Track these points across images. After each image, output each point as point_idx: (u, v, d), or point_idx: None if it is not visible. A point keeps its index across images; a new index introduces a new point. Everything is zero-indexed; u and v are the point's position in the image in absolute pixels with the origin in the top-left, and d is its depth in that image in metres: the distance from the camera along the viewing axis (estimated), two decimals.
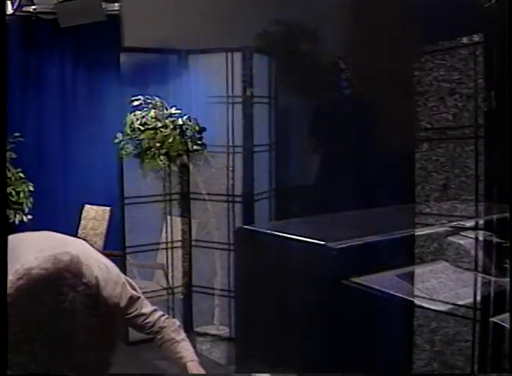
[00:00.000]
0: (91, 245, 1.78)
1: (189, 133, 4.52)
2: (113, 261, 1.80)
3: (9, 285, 1.16)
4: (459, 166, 3.62)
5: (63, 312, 1.13)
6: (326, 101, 5.62)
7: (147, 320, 1.85)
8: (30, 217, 4.98)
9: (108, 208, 5.24)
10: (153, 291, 4.63)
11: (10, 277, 1.18)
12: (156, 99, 4.52)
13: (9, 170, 4.87)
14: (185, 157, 4.58)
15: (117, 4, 5.32)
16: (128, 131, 4.44)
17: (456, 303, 2.59)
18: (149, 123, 4.41)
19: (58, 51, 5.57)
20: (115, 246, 4.89)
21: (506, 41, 2.66)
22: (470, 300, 2.59)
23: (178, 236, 4.82)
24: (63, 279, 1.17)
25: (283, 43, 5.53)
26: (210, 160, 4.68)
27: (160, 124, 4.42)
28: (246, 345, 3.15)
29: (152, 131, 4.40)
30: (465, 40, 3.55)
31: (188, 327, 4.63)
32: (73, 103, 5.65)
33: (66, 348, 1.11)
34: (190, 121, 4.54)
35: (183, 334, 1.91)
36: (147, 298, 1.89)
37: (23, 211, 4.94)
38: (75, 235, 4.88)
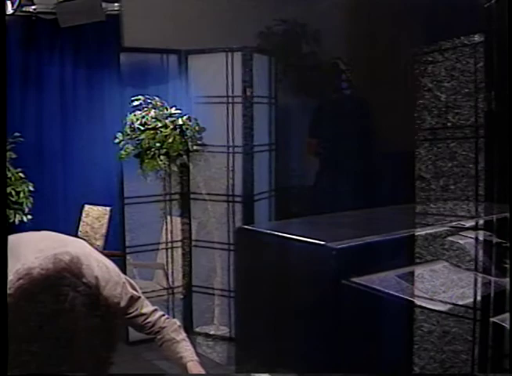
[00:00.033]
0: (91, 245, 1.78)
1: (189, 133, 4.52)
2: (113, 261, 1.80)
3: (9, 285, 1.16)
4: (459, 166, 3.63)
5: (64, 312, 1.13)
6: (326, 101, 5.62)
7: (147, 320, 1.85)
8: (30, 217, 4.97)
9: (108, 208, 5.24)
10: (153, 290, 4.63)
11: (10, 277, 1.18)
12: (156, 99, 4.52)
13: (9, 170, 4.86)
14: (185, 157, 4.58)
15: (117, 4, 5.32)
16: (128, 131, 4.44)
17: (456, 303, 2.59)
18: (149, 123, 4.41)
19: (58, 51, 5.56)
20: (115, 246, 4.89)
21: (506, 41, 2.66)
22: (470, 300, 2.59)
23: (178, 236, 4.82)
24: (63, 279, 1.17)
25: (283, 43, 5.54)
26: (210, 160, 4.68)
27: (160, 124, 4.42)
28: (246, 345, 3.15)
29: (152, 131, 4.39)
30: (465, 40, 3.56)
31: (188, 327, 4.63)
32: (73, 103, 5.64)
33: (66, 348, 1.11)
34: (190, 121, 4.54)
35: (183, 334, 1.91)
36: (147, 298, 1.89)
37: (23, 211, 4.93)
38: (75, 235, 4.88)
